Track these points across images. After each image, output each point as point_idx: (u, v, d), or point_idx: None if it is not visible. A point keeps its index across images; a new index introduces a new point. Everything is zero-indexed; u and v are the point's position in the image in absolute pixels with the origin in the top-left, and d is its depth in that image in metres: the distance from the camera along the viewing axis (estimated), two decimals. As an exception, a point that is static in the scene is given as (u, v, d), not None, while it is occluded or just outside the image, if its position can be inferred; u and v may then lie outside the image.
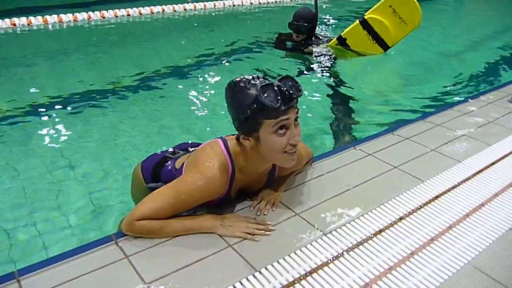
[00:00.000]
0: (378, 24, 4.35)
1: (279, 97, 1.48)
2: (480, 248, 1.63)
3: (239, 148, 1.65)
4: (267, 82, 1.54)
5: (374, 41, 4.45)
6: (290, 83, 1.54)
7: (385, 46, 4.48)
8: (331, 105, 3.64)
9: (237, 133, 1.65)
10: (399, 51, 5.53)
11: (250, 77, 1.56)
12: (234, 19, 7.13)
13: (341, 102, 3.76)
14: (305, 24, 4.44)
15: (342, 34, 4.56)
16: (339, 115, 3.45)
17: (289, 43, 4.79)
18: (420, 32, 6.39)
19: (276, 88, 1.50)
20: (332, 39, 4.71)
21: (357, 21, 4.49)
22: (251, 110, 1.51)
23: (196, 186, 1.56)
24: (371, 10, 4.43)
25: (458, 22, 7.73)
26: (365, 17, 4.42)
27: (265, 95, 1.48)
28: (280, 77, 1.57)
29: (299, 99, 1.55)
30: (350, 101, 3.74)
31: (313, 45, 4.62)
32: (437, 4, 8.92)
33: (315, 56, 4.55)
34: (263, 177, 1.83)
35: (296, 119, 1.56)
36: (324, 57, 4.54)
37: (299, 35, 4.53)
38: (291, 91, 1.51)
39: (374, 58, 4.69)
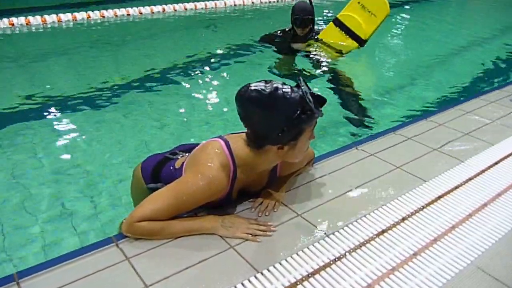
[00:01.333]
0: (348, 19, 4.54)
1: (316, 103, 1.55)
2: (483, 248, 1.62)
3: (245, 150, 1.62)
4: (302, 89, 1.55)
5: (347, 36, 4.58)
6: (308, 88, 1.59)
7: (359, 40, 4.55)
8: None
9: (234, 132, 1.64)
10: (401, 49, 5.51)
11: (278, 85, 1.54)
12: (236, 18, 7.11)
13: (342, 100, 3.75)
14: (309, 17, 4.46)
15: (318, 36, 4.69)
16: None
17: (277, 39, 4.75)
18: (423, 31, 6.40)
19: (314, 94, 1.57)
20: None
21: (331, 22, 4.66)
22: (298, 119, 1.52)
23: (197, 187, 1.55)
24: (343, 10, 4.62)
25: (461, 21, 7.71)
26: (338, 16, 4.61)
27: (313, 102, 1.52)
28: (298, 83, 1.59)
29: None
30: (351, 99, 3.73)
31: (300, 43, 4.60)
32: (439, 3, 8.90)
33: (308, 54, 4.53)
34: (265, 177, 1.82)
35: None
36: (316, 53, 4.53)
37: (305, 28, 4.52)
38: (321, 96, 1.58)
39: (373, 57, 4.68)
